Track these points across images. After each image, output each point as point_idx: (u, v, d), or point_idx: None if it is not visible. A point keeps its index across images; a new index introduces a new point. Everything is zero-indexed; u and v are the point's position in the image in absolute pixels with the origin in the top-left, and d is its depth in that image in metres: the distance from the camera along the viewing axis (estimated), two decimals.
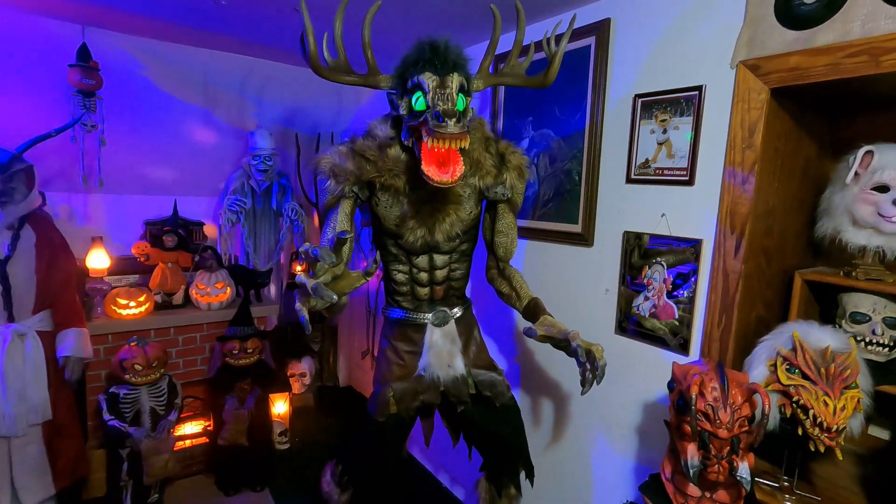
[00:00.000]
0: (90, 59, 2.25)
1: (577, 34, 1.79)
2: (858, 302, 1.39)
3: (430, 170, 1.21)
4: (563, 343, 1.47)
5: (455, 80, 1.27)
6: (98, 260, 2.54)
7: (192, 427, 2.74)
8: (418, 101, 1.27)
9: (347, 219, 1.47)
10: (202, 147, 3.03)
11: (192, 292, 2.77)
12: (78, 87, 2.24)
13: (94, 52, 2.27)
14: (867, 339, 1.36)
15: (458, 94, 1.27)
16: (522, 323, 2.21)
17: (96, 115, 2.32)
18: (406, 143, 1.37)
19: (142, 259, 2.70)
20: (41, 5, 2.06)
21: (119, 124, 2.55)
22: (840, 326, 1.40)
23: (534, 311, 1.60)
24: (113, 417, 2.27)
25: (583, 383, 1.39)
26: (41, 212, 2.19)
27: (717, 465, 1.13)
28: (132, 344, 2.35)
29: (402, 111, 1.33)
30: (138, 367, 2.29)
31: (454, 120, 1.17)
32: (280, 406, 2.94)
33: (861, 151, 1.32)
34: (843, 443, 1.15)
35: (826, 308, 1.53)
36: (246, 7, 1.98)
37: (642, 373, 1.72)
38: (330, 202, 1.47)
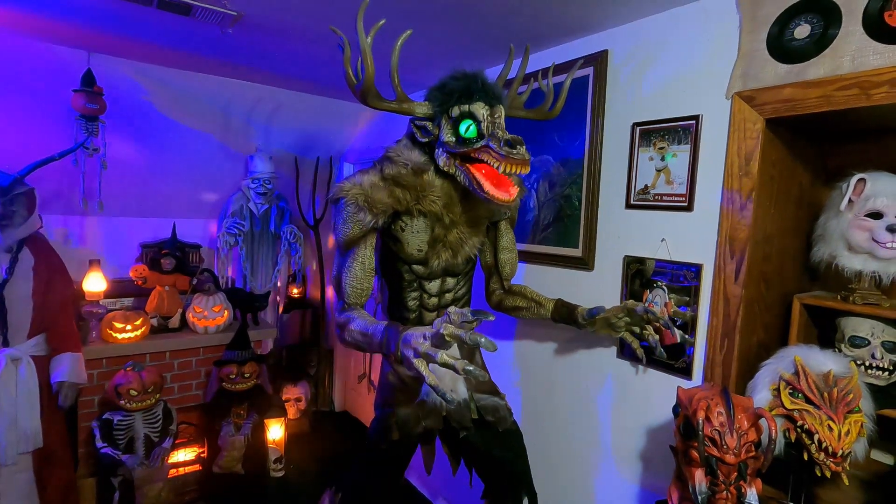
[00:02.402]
0: (94, 83, 2.27)
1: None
2: (857, 326, 1.41)
3: (491, 189, 1.29)
4: (619, 318, 1.53)
5: (502, 111, 1.34)
6: (95, 283, 2.52)
7: (185, 454, 2.68)
8: (469, 130, 1.31)
9: (373, 253, 1.46)
10: (201, 170, 3.05)
11: (189, 315, 2.74)
12: (81, 111, 2.26)
13: (98, 77, 2.30)
14: (867, 364, 1.37)
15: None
16: (524, 343, 2.21)
17: (98, 138, 2.34)
18: (445, 168, 1.38)
19: (139, 282, 2.67)
20: (49, 32, 2.09)
21: (120, 148, 2.57)
22: (840, 350, 1.42)
23: (564, 308, 1.65)
24: (106, 445, 2.22)
25: (663, 341, 1.51)
26: (39, 235, 2.18)
27: (725, 492, 1.13)
28: (128, 369, 2.31)
29: (446, 138, 1.35)
30: (133, 393, 2.26)
31: (524, 147, 1.24)
32: (275, 431, 2.89)
33: (854, 179, 1.36)
34: (848, 467, 1.16)
35: (824, 332, 1.54)
36: (250, 35, 2.02)
37: (645, 396, 1.72)
38: (356, 236, 1.41)
